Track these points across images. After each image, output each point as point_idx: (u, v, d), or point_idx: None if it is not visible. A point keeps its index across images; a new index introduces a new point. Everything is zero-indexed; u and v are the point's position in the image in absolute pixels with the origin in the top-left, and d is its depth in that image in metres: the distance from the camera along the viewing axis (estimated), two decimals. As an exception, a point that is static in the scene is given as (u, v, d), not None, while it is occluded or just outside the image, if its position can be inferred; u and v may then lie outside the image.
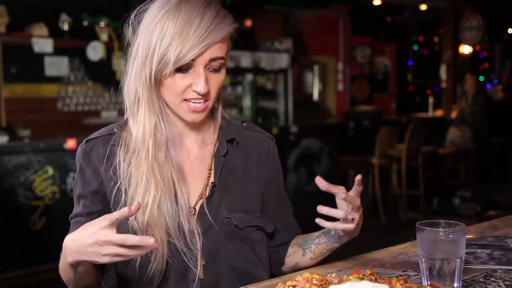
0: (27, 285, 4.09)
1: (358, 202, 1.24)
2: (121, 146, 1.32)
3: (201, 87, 1.25)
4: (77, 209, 1.34)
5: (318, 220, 1.20)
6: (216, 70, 1.28)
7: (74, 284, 1.26)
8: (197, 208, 1.34)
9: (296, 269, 1.43)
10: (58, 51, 5.35)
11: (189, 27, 1.21)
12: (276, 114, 6.88)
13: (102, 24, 5.58)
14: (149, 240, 1.06)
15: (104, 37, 5.60)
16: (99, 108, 5.72)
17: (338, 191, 1.22)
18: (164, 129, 1.32)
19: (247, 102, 6.56)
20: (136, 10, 1.31)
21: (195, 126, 1.37)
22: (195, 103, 1.28)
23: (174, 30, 1.21)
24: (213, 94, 1.29)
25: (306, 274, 1.09)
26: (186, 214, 1.30)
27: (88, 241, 1.09)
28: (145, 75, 1.26)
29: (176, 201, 1.30)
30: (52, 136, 4.86)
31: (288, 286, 1.07)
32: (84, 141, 1.35)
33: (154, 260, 1.27)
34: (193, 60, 1.23)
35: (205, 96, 1.27)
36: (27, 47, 5.16)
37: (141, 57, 1.26)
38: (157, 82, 1.27)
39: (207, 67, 1.26)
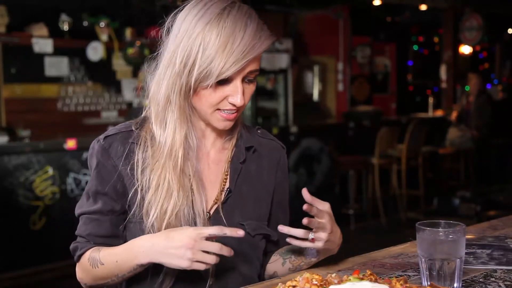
0: (27, 285, 4.09)
1: (326, 226, 1.24)
2: (140, 145, 1.31)
3: (237, 100, 1.25)
4: (93, 205, 1.33)
5: (288, 240, 1.26)
6: (251, 81, 1.29)
7: (112, 281, 1.29)
8: (212, 212, 1.35)
9: (274, 277, 1.44)
10: (58, 51, 5.36)
11: (233, 40, 1.20)
12: (276, 114, 6.87)
13: (102, 24, 5.58)
14: (239, 232, 1.20)
15: (104, 37, 5.60)
16: (99, 108, 5.73)
17: (322, 207, 1.24)
18: (194, 139, 1.32)
19: (247, 102, 6.55)
20: (171, 15, 1.29)
21: (217, 130, 1.37)
22: (229, 112, 1.28)
23: (218, 43, 1.20)
24: (245, 104, 1.30)
25: (306, 274, 1.09)
26: (202, 220, 1.30)
27: (179, 243, 1.17)
28: (181, 84, 1.26)
29: (193, 207, 1.30)
30: (52, 136, 4.86)
31: (288, 286, 1.07)
32: (103, 137, 1.34)
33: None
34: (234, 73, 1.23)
35: (240, 107, 1.28)
36: (27, 47, 5.17)
37: (179, 66, 1.24)
38: (193, 92, 1.26)
39: (243, 80, 1.27)
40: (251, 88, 1.30)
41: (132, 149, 1.31)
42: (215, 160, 1.39)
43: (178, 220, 1.27)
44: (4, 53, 5.07)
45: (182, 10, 1.28)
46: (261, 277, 1.45)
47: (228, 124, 1.31)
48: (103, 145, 1.32)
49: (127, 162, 1.31)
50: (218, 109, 1.28)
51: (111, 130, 1.36)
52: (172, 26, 1.28)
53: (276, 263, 1.44)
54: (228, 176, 1.38)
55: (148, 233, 1.27)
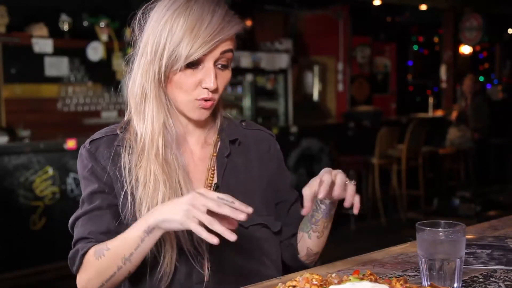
0: (27, 285, 4.09)
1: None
2: (125, 148, 1.31)
3: (210, 83, 1.26)
4: (89, 206, 1.30)
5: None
6: (224, 67, 1.30)
7: (118, 269, 1.23)
8: None
9: (311, 254, 1.42)
10: (58, 51, 5.35)
11: (201, 23, 1.23)
12: (276, 114, 6.88)
13: (102, 24, 5.58)
14: (246, 209, 1.11)
15: (104, 37, 5.60)
16: (99, 108, 5.72)
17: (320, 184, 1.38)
18: (172, 127, 1.32)
19: (247, 102, 6.55)
20: (143, 8, 1.32)
21: (199, 125, 1.38)
22: (204, 101, 1.29)
23: (185, 27, 1.23)
24: (220, 91, 1.31)
25: (306, 274, 1.09)
26: None
27: (185, 199, 1.13)
28: (153, 71, 1.27)
29: None
30: (52, 137, 4.85)
31: (288, 286, 1.06)
32: (88, 142, 1.34)
33: (163, 261, 1.27)
34: (204, 55, 1.24)
35: (214, 92, 1.28)
36: (27, 47, 5.16)
37: (150, 53, 1.27)
38: (166, 79, 1.28)
39: (216, 64, 1.28)
40: (224, 75, 1.30)
41: (118, 152, 1.32)
42: (201, 157, 1.39)
43: None
44: (4, 53, 5.06)
45: (152, 5, 1.31)
46: (286, 265, 1.45)
47: (204, 114, 1.31)
48: (90, 149, 1.33)
49: (114, 164, 1.31)
50: (194, 99, 1.29)
51: (96, 134, 1.36)
52: (145, 21, 1.31)
53: (303, 240, 1.42)
54: (214, 172, 1.38)
55: None
